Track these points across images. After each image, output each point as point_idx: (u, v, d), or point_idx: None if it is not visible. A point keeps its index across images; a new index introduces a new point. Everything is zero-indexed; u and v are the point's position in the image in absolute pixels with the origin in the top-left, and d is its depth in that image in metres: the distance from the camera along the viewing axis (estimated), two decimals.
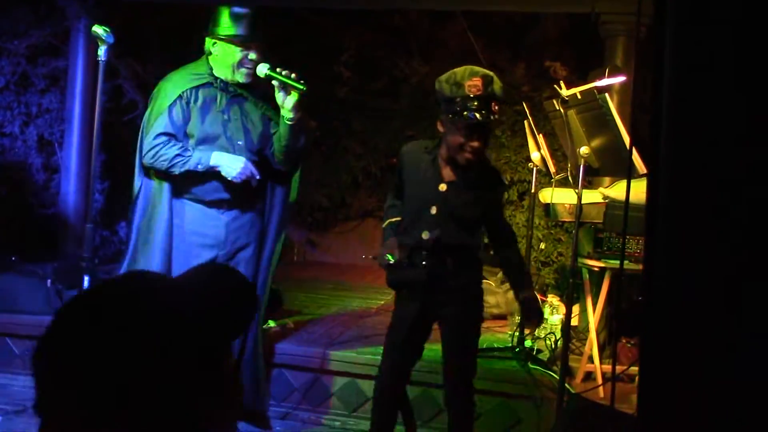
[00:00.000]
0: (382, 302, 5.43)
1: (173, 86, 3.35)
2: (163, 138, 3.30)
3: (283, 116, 3.27)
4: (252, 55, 3.29)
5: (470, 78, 2.73)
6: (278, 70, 3.19)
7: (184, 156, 3.28)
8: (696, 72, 1.50)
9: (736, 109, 1.47)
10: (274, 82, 3.20)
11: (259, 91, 3.37)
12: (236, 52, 3.29)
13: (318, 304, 5.29)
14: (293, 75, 3.18)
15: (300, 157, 3.53)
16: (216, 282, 1.05)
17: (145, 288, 1.00)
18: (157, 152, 3.28)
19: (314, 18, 6.84)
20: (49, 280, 4.35)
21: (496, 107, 2.75)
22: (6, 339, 4.26)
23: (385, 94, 6.89)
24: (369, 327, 4.60)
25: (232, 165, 3.29)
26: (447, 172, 2.86)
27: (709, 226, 1.49)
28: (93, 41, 2.87)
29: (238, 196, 3.39)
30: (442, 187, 2.85)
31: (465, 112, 2.70)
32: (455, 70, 2.80)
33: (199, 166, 3.28)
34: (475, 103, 2.69)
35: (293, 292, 5.46)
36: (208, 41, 3.34)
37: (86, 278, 2.84)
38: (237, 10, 3.31)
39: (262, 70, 3.22)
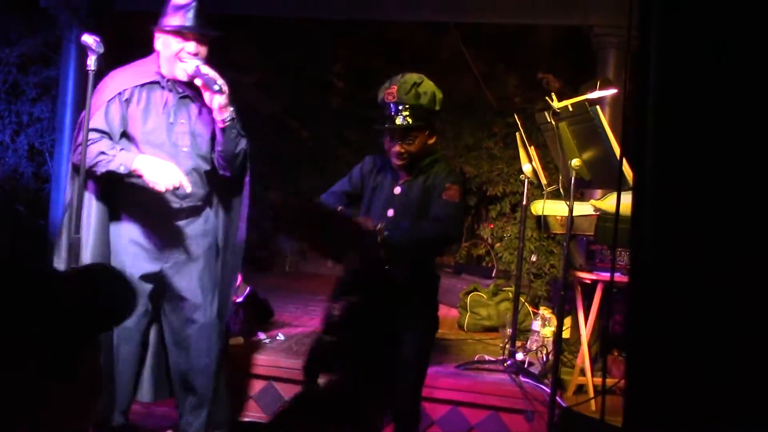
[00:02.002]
0: None
1: (114, 83, 3.12)
2: (95, 134, 3.02)
3: (214, 118, 3.10)
4: (190, 47, 3.05)
5: (389, 86, 2.87)
6: (203, 69, 3.00)
7: (107, 154, 2.99)
8: (681, 84, 1.49)
9: (722, 120, 1.46)
10: (197, 81, 3.02)
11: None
12: (173, 44, 3.06)
13: (309, 315, 5.25)
14: (215, 77, 3.00)
15: (243, 164, 3.25)
16: (98, 280, 1.08)
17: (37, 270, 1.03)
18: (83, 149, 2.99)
19: (308, 28, 6.84)
20: None
21: (416, 112, 2.81)
22: None
23: (378, 105, 6.89)
24: None
25: (156, 170, 2.97)
26: (403, 176, 2.92)
27: (694, 237, 1.49)
28: (84, 51, 2.84)
29: (187, 205, 3.19)
30: (397, 189, 2.92)
31: (381, 119, 2.85)
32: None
33: (121, 168, 2.99)
34: (391, 110, 2.81)
35: (284, 303, 5.43)
36: (156, 36, 3.14)
37: None
38: (176, 1, 3.08)
39: (191, 66, 3.02)
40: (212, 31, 3.14)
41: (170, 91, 3.14)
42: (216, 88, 3.01)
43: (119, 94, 3.09)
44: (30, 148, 6.23)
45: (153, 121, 3.11)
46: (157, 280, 3.24)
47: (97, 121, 3.04)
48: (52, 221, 5.76)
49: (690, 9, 1.50)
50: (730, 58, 1.46)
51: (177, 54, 3.07)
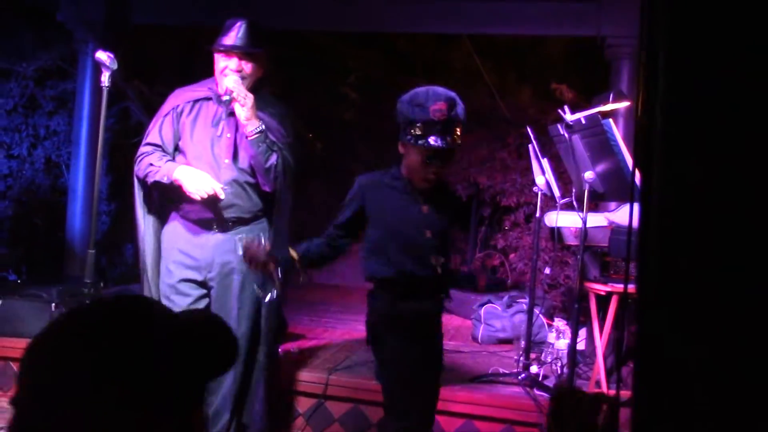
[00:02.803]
0: None
1: (174, 97, 3.31)
2: (149, 147, 3.25)
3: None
4: (232, 64, 3.17)
5: (434, 101, 2.64)
6: (229, 84, 3.10)
7: (155, 165, 3.20)
8: (689, 94, 1.49)
9: (730, 131, 1.46)
10: (226, 97, 3.11)
11: (259, 107, 3.20)
12: (220, 62, 3.20)
13: (323, 327, 5.26)
14: (233, 89, 3.08)
15: (280, 180, 3.25)
16: (206, 328, 1.07)
17: (144, 314, 1.02)
18: (140, 161, 3.24)
19: (321, 40, 6.87)
20: (53, 304, 4.33)
21: (459, 130, 2.67)
22: (9, 363, 4.25)
23: (391, 117, 6.91)
24: None
25: (192, 180, 3.13)
26: (422, 196, 2.76)
27: (701, 248, 1.48)
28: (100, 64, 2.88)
29: (231, 216, 3.27)
30: (425, 209, 2.75)
31: (430, 137, 2.62)
32: (417, 90, 2.71)
33: (165, 178, 3.17)
34: (439, 128, 2.62)
35: (298, 315, 5.44)
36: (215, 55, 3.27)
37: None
38: (231, 20, 3.23)
39: (228, 81, 3.12)
40: (252, 48, 3.20)
41: (220, 105, 3.24)
42: (226, 99, 3.08)
43: (173, 108, 3.26)
44: (47, 161, 6.28)
45: (199, 133, 3.24)
46: (202, 287, 3.31)
47: (152, 135, 3.27)
48: (69, 233, 5.81)
49: (698, 18, 1.50)
50: (739, 67, 1.46)
51: (222, 71, 3.19)
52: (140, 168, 3.26)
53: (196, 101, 3.28)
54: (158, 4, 5.77)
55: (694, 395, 1.49)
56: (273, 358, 3.55)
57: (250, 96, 3.12)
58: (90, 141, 5.75)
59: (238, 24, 3.20)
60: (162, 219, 3.41)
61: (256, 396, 3.41)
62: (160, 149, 3.26)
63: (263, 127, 3.15)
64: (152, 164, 3.21)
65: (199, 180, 3.14)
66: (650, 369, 1.57)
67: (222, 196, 3.16)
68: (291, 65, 6.94)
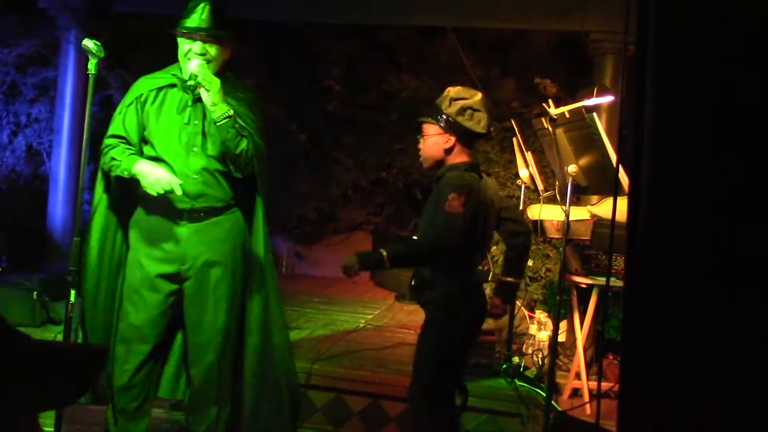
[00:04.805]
0: (370, 316, 5.42)
1: (138, 86, 3.20)
2: (113, 140, 3.14)
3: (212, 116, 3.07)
4: (196, 47, 3.07)
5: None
6: (194, 68, 3.02)
7: (117, 160, 3.09)
8: (677, 91, 1.51)
9: (718, 128, 1.48)
10: (191, 81, 3.02)
11: (226, 92, 3.10)
12: (183, 45, 3.10)
13: (305, 318, 5.27)
14: (200, 75, 3.00)
15: (250, 166, 3.18)
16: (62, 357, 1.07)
17: None
18: (104, 154, 3.13)
19: (305, 31, 6.86)
20: (35, 292, 4.31)
21: None
22: None
23: (375, 108, 6.91)
24: (356, 342, 4.59)
25: (149, 175, 3.03)
26: None
27: (688, 243, 1.51)
28: (83, 52, 2.83)
29: (201, 206, 3.15)
30: None
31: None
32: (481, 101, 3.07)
33: (125, 173, 3.07)
34: None
35: None
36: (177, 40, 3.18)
37: (72, 291, 2.80)
38: (193, 2, 3.12)
39: (193, 66, 3.03)
40: (216, 31, 3.11)
41: (185, 91, 3.15)
42: (190, 83, 3.00)
43: (137, 98, 3.16)
44: (28, 149, 6.24)
45: (166, 121, 3.13)
46: (175, 281, 3.19)
47: (116, 127, 3.16)
48: (50, 221, 5.77)
49: (687, 15, 1.51)
50: (727, 65, 1.48)
51: (187, 55, 3.09)
52: (105, 162, 3.15)
53: (160, 89, 3.16)
54: None
55: (678, 387, 1.52)
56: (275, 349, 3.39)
57: (216, 80, 3.02)
58: (72, 129, 5.71)
59: (201, 6, 3.10)
60: (121, 213, 3.26)
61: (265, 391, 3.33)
62: (124, 141, 3.15)
63: (231, 112, 3.06)
64: (114, 158, 3.09)
65: (154, 175, 3.02)
66: (636, 361, 1.60)
67: (178, 192, 3.03)
68: (276, 57, 6.93)
